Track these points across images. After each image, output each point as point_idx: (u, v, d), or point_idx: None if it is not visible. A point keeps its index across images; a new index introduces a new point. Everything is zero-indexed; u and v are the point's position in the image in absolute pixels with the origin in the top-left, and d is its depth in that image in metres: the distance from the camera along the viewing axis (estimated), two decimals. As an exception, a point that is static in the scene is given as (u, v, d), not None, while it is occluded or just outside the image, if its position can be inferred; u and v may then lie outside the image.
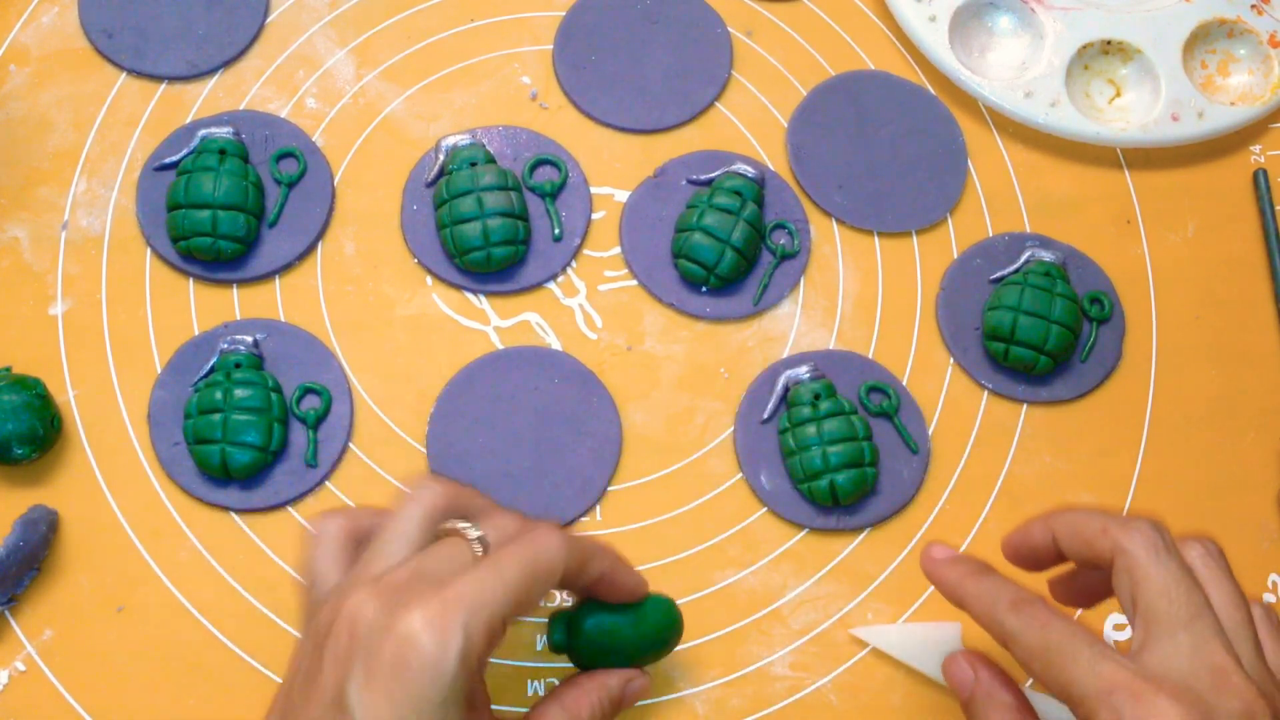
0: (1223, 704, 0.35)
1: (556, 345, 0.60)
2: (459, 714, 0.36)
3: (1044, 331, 0.59)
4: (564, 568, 0.41)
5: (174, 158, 0.61)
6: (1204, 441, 0.61)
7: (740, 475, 0.58)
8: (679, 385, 0.60)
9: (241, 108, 0.63)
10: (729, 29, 0.67)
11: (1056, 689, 0.37)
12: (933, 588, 0.50)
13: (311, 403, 0.57)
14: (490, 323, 0.60)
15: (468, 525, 0.41)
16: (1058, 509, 0.44)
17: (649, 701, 0.54)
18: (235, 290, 0.60)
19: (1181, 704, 0.34)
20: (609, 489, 0.57)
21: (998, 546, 0.46)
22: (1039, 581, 0.46)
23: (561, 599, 0.53)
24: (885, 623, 0.54)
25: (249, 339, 0.57)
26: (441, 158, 0.61)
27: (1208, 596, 0.38)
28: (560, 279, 0.61)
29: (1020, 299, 0.59)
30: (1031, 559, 0.44)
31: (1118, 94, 0.68)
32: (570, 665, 0.47)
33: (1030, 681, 0.50)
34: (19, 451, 0.53)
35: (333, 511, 0.44)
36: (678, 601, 0.50)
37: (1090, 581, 0.45)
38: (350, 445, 0.57)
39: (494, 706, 0.45)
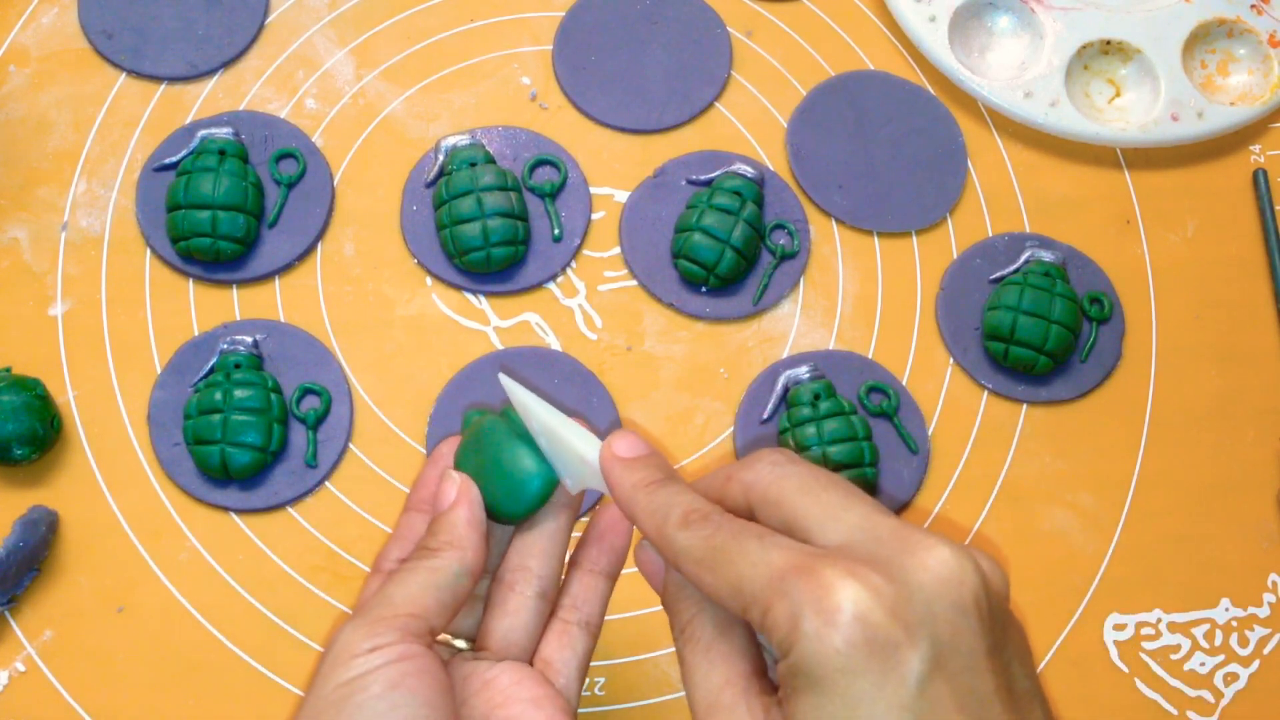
0: (916, 558, 0.30)
1: (556, 345, 0.60)
2: None
3: (1044, 331, 0.59)
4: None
5: (174, 158, 0.61)
6: (1204, 441, 0.61)
7: (740, 475, 0.58)
8: (679, 385, 0.59)
9: (241, 108, 0.63)
10: (729, 29, 0.67)
11: (730, 597, 0.32)
12: None
13: (311, 403, 0.57)
14: (490, 323, 0.60)
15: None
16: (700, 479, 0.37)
17: (651, 701, 0.54)
18: (235, 291, 0.60)
19: (860, 569, 0.30)
20: (609, 489, 0.57)
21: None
22: None
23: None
24: None
25: (249, 339, 0.57)
26: (441, 158, 0.61)
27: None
28: (560, 279, 0.61)
29: (1020, 299, 0.59)
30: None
31: (1117, 94, 0.68)
32: None
33: None
34: (19, 452, 0.53)
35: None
36: None
37: None
38: (350, 446, 0.57)
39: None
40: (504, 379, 0.40)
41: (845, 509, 0.32)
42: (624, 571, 0.57)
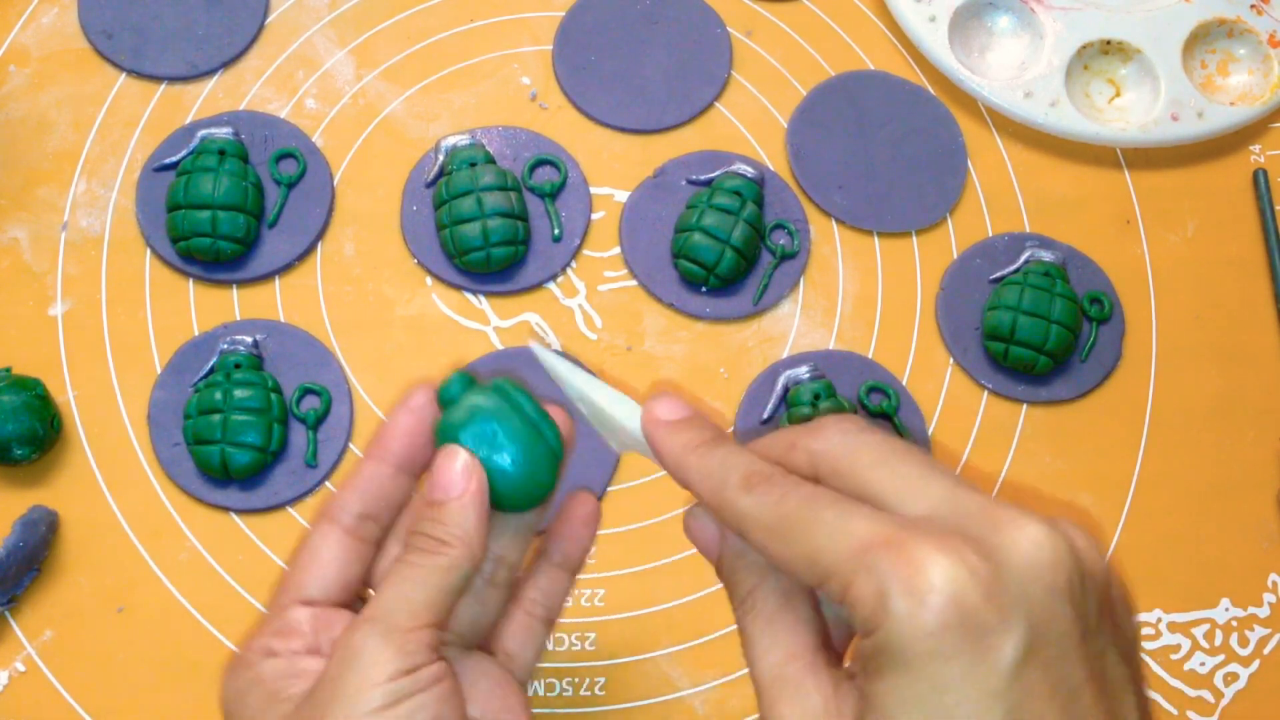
0: (1008, 535, 0.29)
1: (557, 345, 0.60)
2: None
3: (1044, 331, 0.59)
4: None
5: (174, 158, 0.61)
6: (1204, 441, 0.61)
7: (740, 475, 0.58)
8: (679, 385, 0.59)
9: (241, 108, 0.63)
10: (729, 29, 0.67)
11: (805, 568, 0.30)
12: None
13: (311, 403, 0.57)
14: (490, 323, 0.60)
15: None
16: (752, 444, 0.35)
17: (651, 700, 0.54)
18: (235, 291, 0.60)
19: (953, 545, 0.28)
20: (609, 489, 0.57)
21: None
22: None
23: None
24: None
25: (249, 339, 0.57)
26: (441, 158, 0.61)
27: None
28: (560, 279, 0.61)
29: (1020, 299, 0.59)
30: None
31: (1117, 94, 0.68)
32: None
33: None
34: (19, 452, 0.53)
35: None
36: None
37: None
38: (350, 446, 0.57)
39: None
40: (536, 347, 0.39)
41: (926, 481, 0.30)
42: (622, 573, 0.57)
